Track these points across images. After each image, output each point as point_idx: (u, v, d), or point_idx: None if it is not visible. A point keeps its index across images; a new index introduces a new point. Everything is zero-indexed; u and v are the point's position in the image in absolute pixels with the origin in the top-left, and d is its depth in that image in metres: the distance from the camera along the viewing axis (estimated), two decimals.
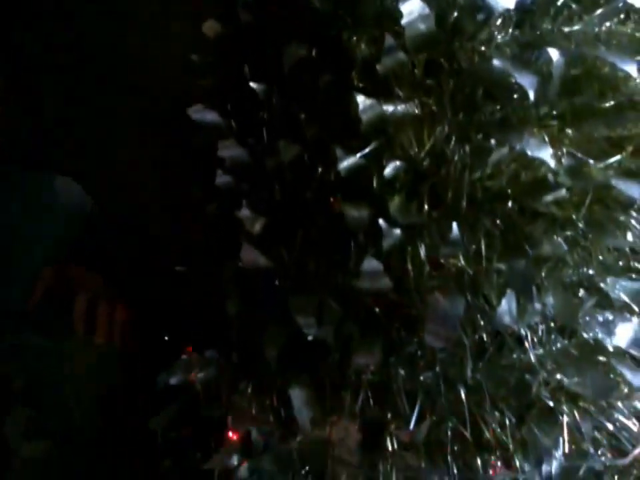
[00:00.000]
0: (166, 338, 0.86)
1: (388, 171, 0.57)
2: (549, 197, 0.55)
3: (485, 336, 0.60)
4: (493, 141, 0.57)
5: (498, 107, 0.60)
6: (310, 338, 0.62)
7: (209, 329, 0.72)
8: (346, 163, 0.59)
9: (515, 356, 0.59)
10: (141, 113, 1.08)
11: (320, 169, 0.63)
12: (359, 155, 0.58)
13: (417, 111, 0.60)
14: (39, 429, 0.91)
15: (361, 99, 0.58)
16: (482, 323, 0.59)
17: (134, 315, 0.96)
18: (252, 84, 0.65)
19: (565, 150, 0.59)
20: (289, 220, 0.64)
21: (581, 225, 0.57)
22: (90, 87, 1.10)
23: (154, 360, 0.82)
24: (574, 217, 0.57)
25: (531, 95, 0.55)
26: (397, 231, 0.57)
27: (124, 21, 1.10)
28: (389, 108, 0.60)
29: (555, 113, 0.60)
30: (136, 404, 0.89)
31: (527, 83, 0.56)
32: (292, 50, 0.64)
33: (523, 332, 0.59)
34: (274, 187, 0.65)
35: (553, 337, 0.59)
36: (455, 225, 0.55)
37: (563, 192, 0.55)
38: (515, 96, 0.60)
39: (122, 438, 0.90)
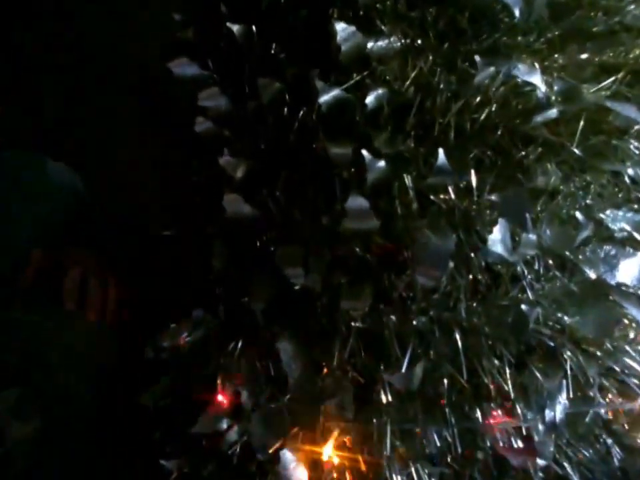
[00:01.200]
0: (157, 309, 0.84)
1: (370, 99, 0.54)
2: (540, 118, 0.52)
3: (479, 276, 0.57)
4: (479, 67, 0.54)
5: (485, 36, 0.57)
6: (297, 287, 0.59)
7: (197, 287, 0.70)
8: (327, 96, 0.56)
9: (512, 295, 0.55)
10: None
11: (302, 110, 0.60)
12: (340, 89, 0.55)
13: (400, 44, 0.57)
14: (29, 408, 0.88)
15: (340, 27, 0.55)
16: (476, 261, 0.56)
17: (126, 290, 0.94)
18: (230, 24, 0.62)
19: (555, 75, 0.55)
20: (272, 163, 0.61)
21: (576, 151, 0.54)
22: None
23: (146, 334, 0.79)
24: (568, 143, 0.54)
25: (516, 12, 0.52)
26: (382, 163, 0.53)
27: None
28: (371, 42, 0.57)
29: (543, 39, 0.57)
30: (128, 379, 0.87)
31: (513, 2, 0.53)
32: None
33: (519, 269, 0.56)
34: (256, 130, 0.62)
35: (551, 274, 0.56)
36: (441, 151, 0.51)
37: (554, 112, 0.51)
38: (502, 26, 0.57)
39: (115, 413, 0.88)
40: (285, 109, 0.60)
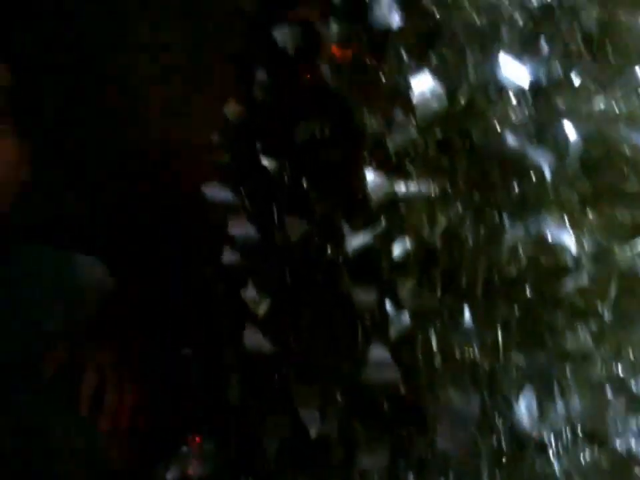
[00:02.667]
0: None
1: (397, 253, 0.54)
2: (571, 285, 0.50)
3: (503, 441, 0.54)
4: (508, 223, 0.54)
5: (515, 186, 0.57)
6: (313, 436, 0.57)
7: (210, 415, 0.68)
8: (354, 243, 0.56)
9: (537, 467, 0.52)
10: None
11: (329, 248, 0.60)
12: (368, 236, 0.55)
13: (429, 190, 0.58)
14: None
15: (370, 177, 0.56)
16: (500, 425, 0.54)
17: (142, 398, 0.93)
18: (263, 160, 0.63)
19: (586, 232, 0.55)
20: (296, 301, 0.61)
21: (607, 316, 0.52)
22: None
23: (158, 444, 0.78)
24: (599, 307, 0.52)
25: (547, 175, 0.52)
26: (406, 317, 0.52)
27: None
28: (401, 188, 0.57)
29: (575, 193, 0.56)
30: None
31: (543, 161, 0.53)
32: (303, 126, 0.63)
33: (546, 436, 0.53)
34: (282, 266, 0.62)
35: (579, 445, 0.53)
36: (467, 309, 0.50)
37: (584, 278, 0.50)
38: (533, 177, 0.57)
39: None
40: (313, 247, 0.60)
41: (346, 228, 0.56)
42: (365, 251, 0.56)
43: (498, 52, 0.58)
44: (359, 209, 0.58)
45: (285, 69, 0.66)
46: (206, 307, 0.70)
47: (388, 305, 0.53)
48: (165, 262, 1.01)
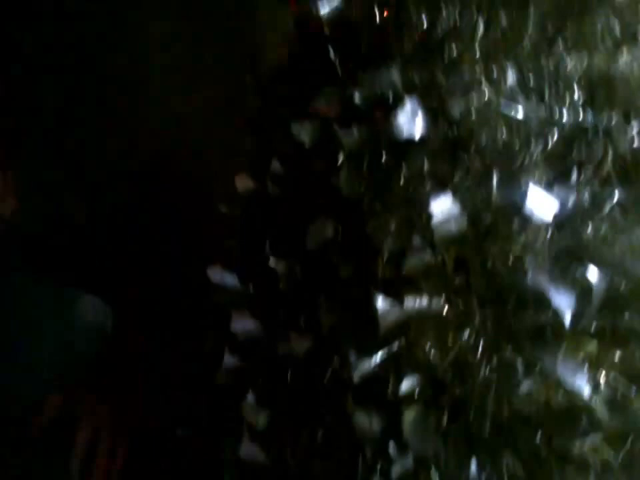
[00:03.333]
0: None
1: (404, 386, 0.52)
2: (584, 443, 0.48)
3: None
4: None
5: (531, 316, 0.55)
6: None
7: None
8: (361, 369, 0.54)
9: None
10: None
11: (334, 362, 0.58)
12: (375, 363, 0.53)
13: (441, 306, 0.56)
14: None
15: (381, 305, 0.53)
16: None
17: (135, 460, 0.91)
18: (272, 261, 0.61)
19: (603, 377, 0.53)
20: (296, 415, 0.59)
21: (617, 466, 0.50)
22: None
23: None
24: (611, 460, 0.50)
25: (567, 320, 0.50)
26: (409, 459, 0.51)
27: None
28: (412, 305, 0.55)
29: (594, 328, 0.54)
30: None
31: (563, 303, 0.51)
32: (316, 230, 0.60)
33: None
34: (284, 375, 0.60)
35: None
36: (474, 463, 0.48)
37: (598, 437, 0.48)
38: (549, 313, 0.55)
39: None
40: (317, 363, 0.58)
41: (352, 354, 0.54)
42: (371, 377, 0.54)
43: (525, 174, 0.55)
44: (368, 331, 0.55)
45: (301, 164, 0.63)
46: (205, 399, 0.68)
47: (391, 447, 0.51)
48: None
